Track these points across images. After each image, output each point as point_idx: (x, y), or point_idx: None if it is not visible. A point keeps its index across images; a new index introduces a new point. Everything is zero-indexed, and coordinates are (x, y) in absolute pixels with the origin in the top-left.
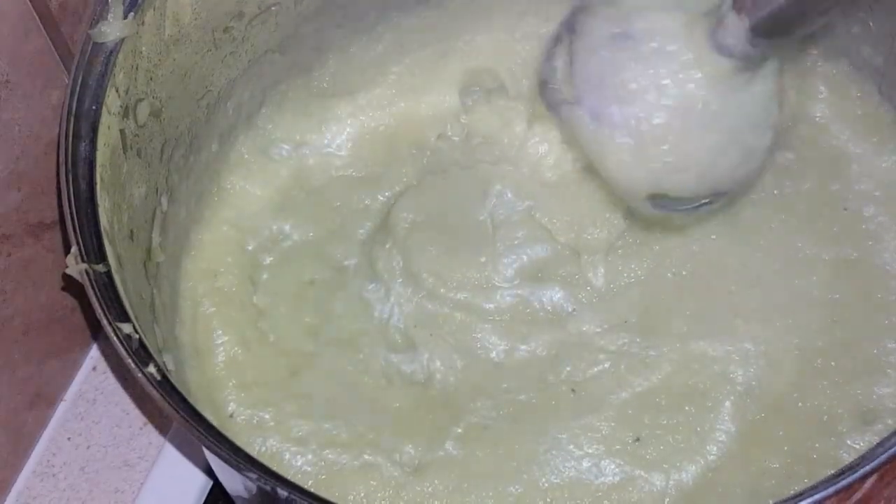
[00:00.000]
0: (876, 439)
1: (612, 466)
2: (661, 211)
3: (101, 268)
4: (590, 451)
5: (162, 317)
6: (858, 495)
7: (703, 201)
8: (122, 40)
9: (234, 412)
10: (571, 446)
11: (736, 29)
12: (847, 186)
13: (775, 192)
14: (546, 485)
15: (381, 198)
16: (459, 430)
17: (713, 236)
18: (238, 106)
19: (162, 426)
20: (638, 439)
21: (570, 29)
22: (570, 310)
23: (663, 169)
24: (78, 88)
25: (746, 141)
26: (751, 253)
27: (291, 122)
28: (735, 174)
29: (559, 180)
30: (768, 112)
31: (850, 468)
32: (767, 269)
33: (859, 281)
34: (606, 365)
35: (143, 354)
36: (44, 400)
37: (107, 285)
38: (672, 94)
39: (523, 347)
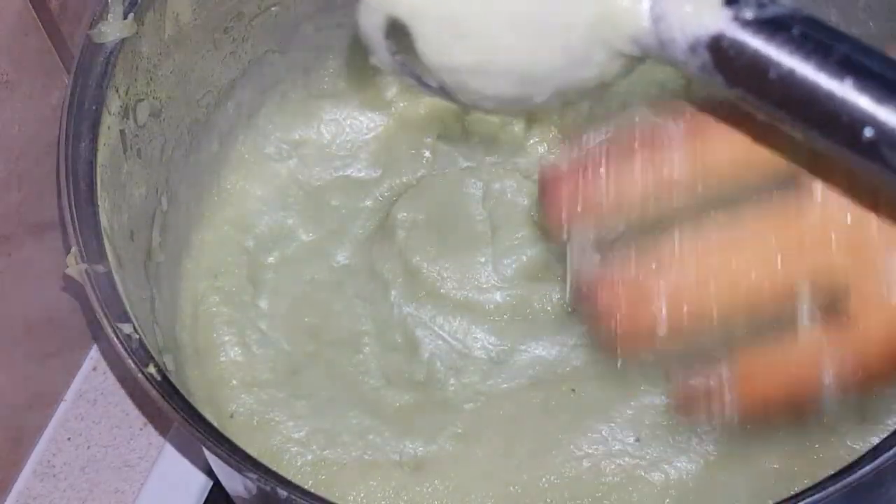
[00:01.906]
0: (876, 439)
1: (612, 467)
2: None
3: (101, 268)
4: (590, 451)
5: (162, 317)
6: None
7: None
8: (122, 41)
9: (234, 412)
10: (571, 446)
11: (697, 19)
12: None
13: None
14: (546, 485)
15: (381, 198)
16: (459, 430)
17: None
18: (238, 106)
19: (162, 426)
20: (638, 439)
21: None
22: (570, 310)
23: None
24: (78, 89)
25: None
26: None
27: (291, 122)
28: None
29: None
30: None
31: (851, 468)
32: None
33: None
34: (606, 365)
35: (143, 355)
36: (44, 400)
37: (107, 286)
38: None
39: (523, 348)
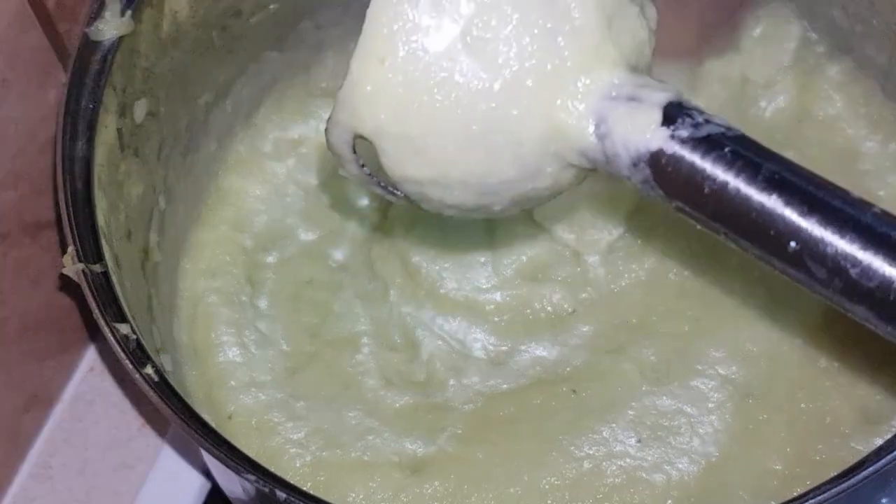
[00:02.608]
0: (880, 441)
1: (613, 468)
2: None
3: (98, 268)
4: (590, 452)
5: (160, 317)
6: None
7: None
8: (120, 38)
9: (232, 413)
10: (572, 447)
11: (639, 137)
12: (851, 185)
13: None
14: (547, 486)
15: (380, 197)
16: (460, 431)
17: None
18: (236, 105)
19: (160, 428)
20: (639, 440)
21: None
22: (570, 310)
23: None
24: (75, 87)
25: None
26: None
27: (290, 121)
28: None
29: None
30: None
31: (854, 470)
32: (768, 267)
33: None
34: (607, 365)
35: (140, 355)
36: (41, 401)
37: (104, 285)
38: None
39: (523, 348)
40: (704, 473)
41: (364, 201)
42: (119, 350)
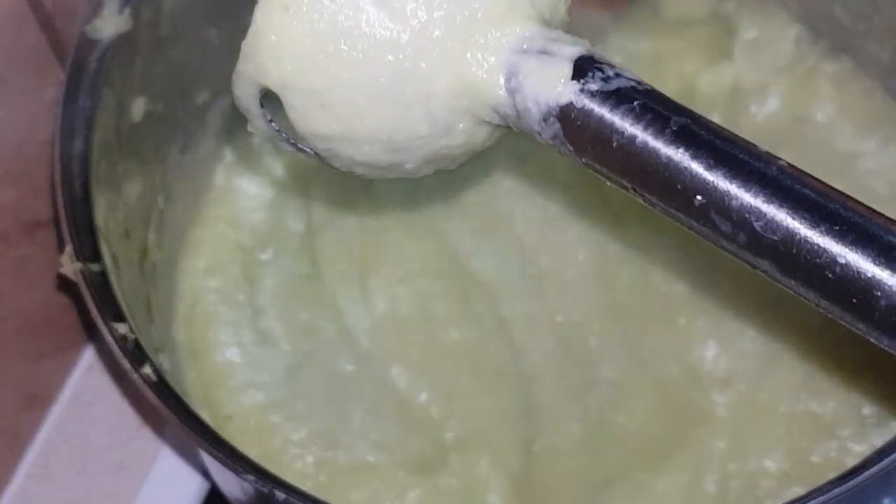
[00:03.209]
0: (879, 441)
1: (606, 465)
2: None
3: (96, 267)
4: (585, 457)
5: (158, 317)
6: None
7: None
8: (118, 36)
9: (231, 413)
10: (562, 453)
11: (548, 91)
12: (851, 184)
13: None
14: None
15: (379, 192)
16: (464, 430)
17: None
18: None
19: (158, 428)
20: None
21: None
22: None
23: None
24: (73, 85)
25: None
26: None
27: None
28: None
29: None
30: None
31: (857, 470)
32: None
33: None
34: (605, 365)
35: (138, 355)
36: (38, 401)
37: (102, 285)
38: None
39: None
40: (700, 473)
41: (364, 196)
42: (117, 350)
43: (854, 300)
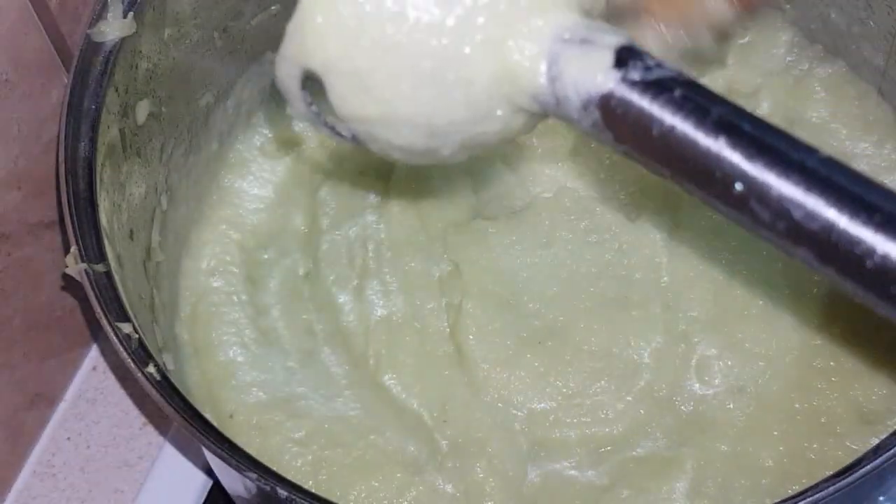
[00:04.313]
0: (875, 440)
1: (605, 469)
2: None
3: (100, 267)
4: (583, 460)
5: (162, 316)
6: None
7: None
8: (122, 39)
9: (234, 412)
10: (561, 453)
11: (590, 79)
12: None
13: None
14: (538, 492)
15: (380, 194)
16: (464, 431)
17: (714, 237)
18: (237, 105)
19: (162, 426)
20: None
21: None
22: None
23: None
24: (77, 88)
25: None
26: (751, 252)
27: (290, 121)
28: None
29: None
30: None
31: (852, 468)
32: (767, 267)
33: None
34: (604, 369)
35: (142, 354)
36: (43, 400)
37: (106, 285)
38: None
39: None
40: (699, 470)
41: (366, 199)
42: (121, 349)
43: (892, 290)
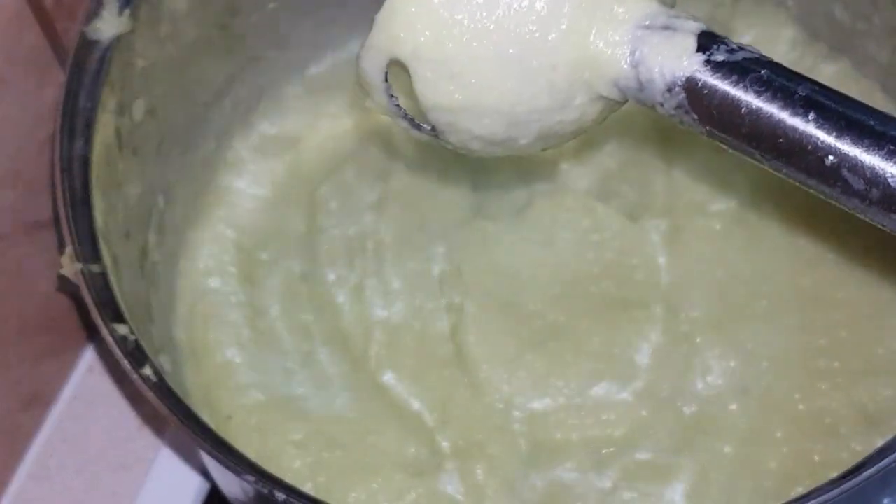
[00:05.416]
0: (880, 441)
1: (607, 471)
2: (398, 114)
3: (96, 268)
4: (584, 462)
5: (158, 317)
6: None
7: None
8: (118, 37)
9: (231, 414)
10: (563, 455)
11: (675, 62)
12: None
13: (779, 191)
14: (539, 494)
15: (380, 194)
16: (464, 433)
17: (717, 237)
18: (235, 103)
19: (159, 428)
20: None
21: None
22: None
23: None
24: (73, 86)
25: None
26: (754, 252)
27: (288, 120)
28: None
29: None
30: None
31: (856, 470)
32: (770, 268)
33: (864, 280)
34: (605, 374)
35: (138, 356)
36: (39, 401)
37: (102, 286)
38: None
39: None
40: (701, 472)
41: (364, 199)
42: (117, 350)
43: None
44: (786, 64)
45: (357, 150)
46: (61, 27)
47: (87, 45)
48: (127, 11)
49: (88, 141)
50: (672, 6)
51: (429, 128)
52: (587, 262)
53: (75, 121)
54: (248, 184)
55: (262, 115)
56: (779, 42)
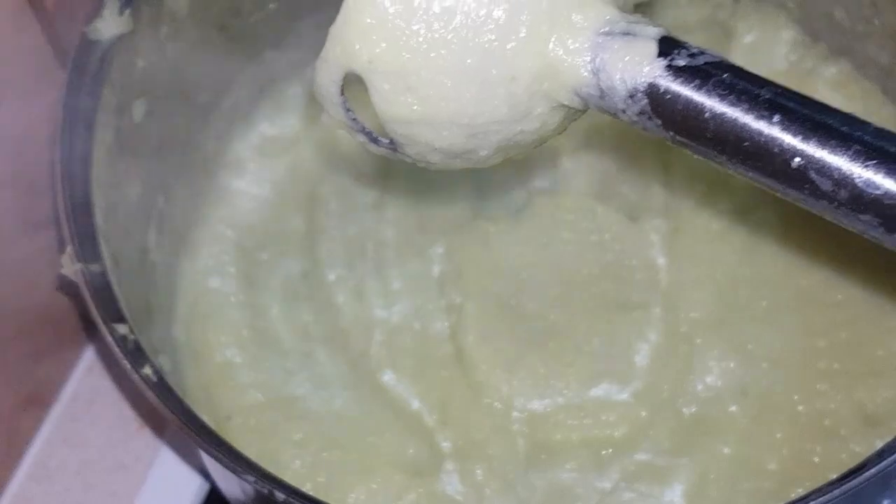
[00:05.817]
0: (880, 443)
1: (607, 471)
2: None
3: (96, 268)
4: (584, 463)
5: (158, 317)
6: None
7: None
8: (118, 38)
9: (231, 414)
10: (562, 456)
11: (636, 69)
12: None
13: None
14: (539, 495)
15: (380, 194)
16: (463, 433)
17: (716, 238)
18: (235, 104)
19: (158, 428)
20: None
21: None
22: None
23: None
24: (73, 86)
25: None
26: (753, 253)
27: (288, 120)
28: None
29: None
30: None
31: (856, 471)
32: (770, 269)
33: (863, 281)
34: (605, 375)
35: (138, 356)
36: (38, 401)
37: (102, 286)
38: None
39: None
40: (701, 473)
41: (364, 199)
42: (117, 350)
43: None
44: (786, 66)
45: (357, 149)
46: (62, 28)
47: (87, 45)
48: (127, 12)
49: (89, 141)
50: (630, 12)
51: (387, 141)
52: (587, 262)
53: (76, 121)
54: (248, 184)
55: (262, 116)
56: (779, 44)
